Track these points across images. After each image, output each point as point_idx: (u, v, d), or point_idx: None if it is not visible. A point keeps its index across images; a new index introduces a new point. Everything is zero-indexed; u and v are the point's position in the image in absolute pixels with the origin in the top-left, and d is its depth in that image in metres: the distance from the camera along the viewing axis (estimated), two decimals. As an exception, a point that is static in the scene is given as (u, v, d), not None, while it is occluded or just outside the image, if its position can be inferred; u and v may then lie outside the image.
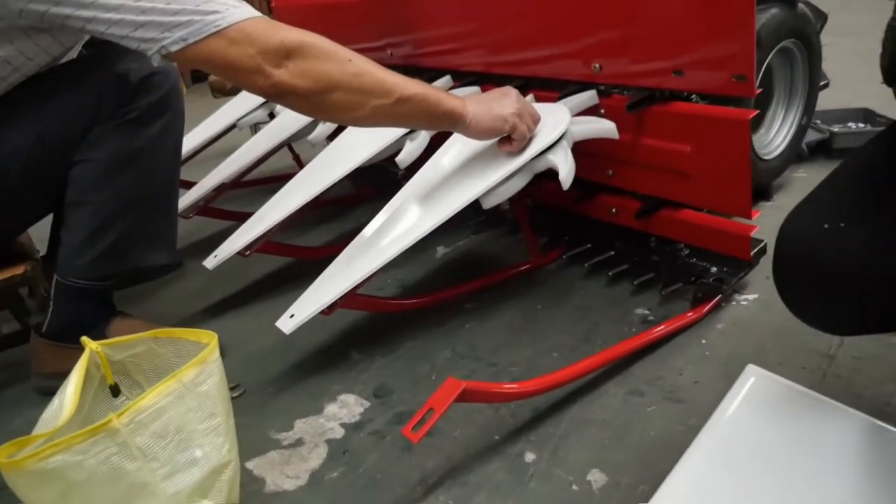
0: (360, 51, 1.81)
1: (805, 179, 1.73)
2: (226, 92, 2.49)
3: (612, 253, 1.40)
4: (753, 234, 1.14)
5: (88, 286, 1.18)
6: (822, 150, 1.81)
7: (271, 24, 0.93)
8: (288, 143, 1.81)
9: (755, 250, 1.17)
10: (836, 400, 0.78)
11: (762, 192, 1.62)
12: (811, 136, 1.79)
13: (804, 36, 1.49)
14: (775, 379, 0.83)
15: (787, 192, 1.66)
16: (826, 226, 0.71)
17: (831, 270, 0.70)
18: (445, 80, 1.56)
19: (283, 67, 0.91)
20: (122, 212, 1.15)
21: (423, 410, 0.84)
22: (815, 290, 0.74)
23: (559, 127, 1.10)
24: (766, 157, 1.55)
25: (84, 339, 0.89)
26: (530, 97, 1.32)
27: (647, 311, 1.25)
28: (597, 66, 1.20)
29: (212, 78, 2.54)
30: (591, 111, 1.24)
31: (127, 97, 1.11)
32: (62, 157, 1.11)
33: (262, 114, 1.90)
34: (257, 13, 0.93)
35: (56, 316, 1.20)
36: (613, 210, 1.33)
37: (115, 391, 0.92)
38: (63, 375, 0.84)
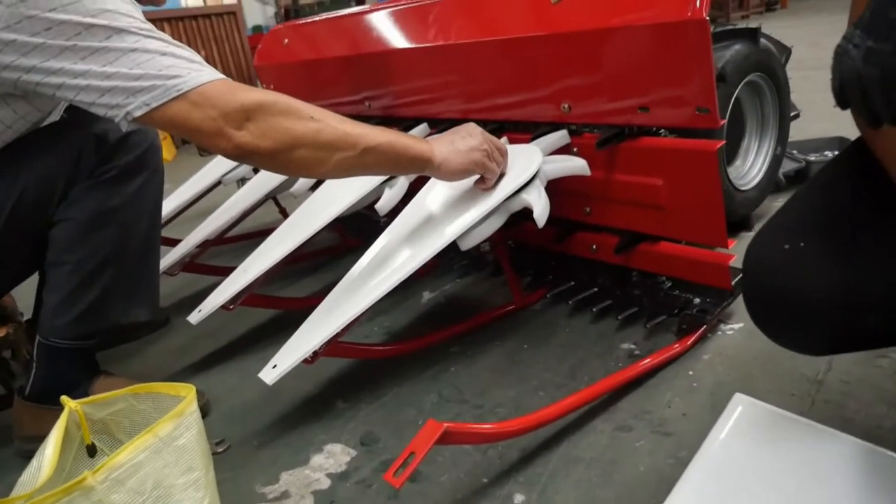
0: (339, 104, 1.86)
1: (785, 209, 1.74)
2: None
3: (596, 289, 1.41)
4: (733, 262, 1.14)
5: (71, 346, 1.18)
6: (799, 179, 1.84)
7: (232, 86, 0.93)
8: (272, 197, 1.82)
9: (736, 279, 1.17)
10: (827, 425, 0.78)
11: (742, 223, 1.63)
12: (788, 165, 1.81)
13: (769, 69, 1.53)
14: (763, 407, 0.82)
15: (767, 221, 1.68)
16: (786, 246, 0.72)
17: (795, 293, 0.70)
18: (422, 127, 1.58)
19: (245, 129, 0.91)
20: (101, 270, 1.15)
21: (405, 454, 0.82)
22: (783, 313, 0.74)
23: (531, 167, 1.12)
24: (743, 188, 1.57)
25: (64, 398, 0.87)
26: (504, 139, 1.34)
27: (632, 346, 1.25)
28: (566, 106, 1.23)
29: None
30: (563, 150, 1.27)
31: (105, 156, 1.12)
32: (42, 217, 1.12)
33: (246, 168, 1.92)
34: (220, 75, 0.93)
35: (39, 377, 1.19)
36: (594, 247, 1.34)
37: (92, 451, 0.90)
38: (46, 437, 0.83)
